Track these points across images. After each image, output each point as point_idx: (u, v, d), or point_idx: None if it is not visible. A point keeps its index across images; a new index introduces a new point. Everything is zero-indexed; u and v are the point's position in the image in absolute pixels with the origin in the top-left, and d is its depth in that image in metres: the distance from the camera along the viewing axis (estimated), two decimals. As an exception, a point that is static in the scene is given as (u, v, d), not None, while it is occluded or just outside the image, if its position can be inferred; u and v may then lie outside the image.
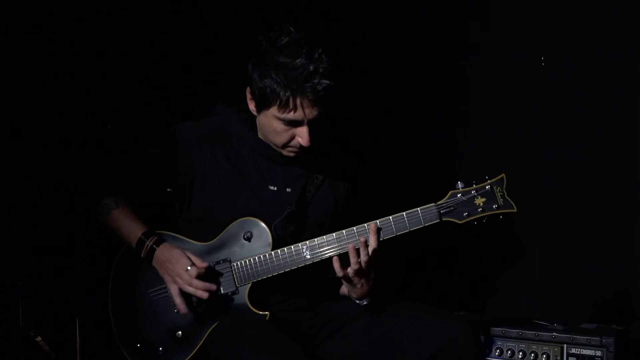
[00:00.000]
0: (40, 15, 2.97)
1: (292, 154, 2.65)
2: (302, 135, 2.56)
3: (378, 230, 2.53)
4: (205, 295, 2.58)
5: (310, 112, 2.53)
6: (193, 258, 2.60)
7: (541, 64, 3.68)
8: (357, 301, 2.65)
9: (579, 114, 3.62)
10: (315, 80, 2.48)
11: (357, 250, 2.52)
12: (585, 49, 3.60)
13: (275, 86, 2.50)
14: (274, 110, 2.54)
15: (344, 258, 2.54)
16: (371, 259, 2.53)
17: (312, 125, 2.56)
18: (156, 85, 3.30)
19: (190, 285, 2.57)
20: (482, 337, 3.13)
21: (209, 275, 2.62)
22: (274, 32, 2.57)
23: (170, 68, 3.36)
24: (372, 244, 2.52)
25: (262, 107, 2.58)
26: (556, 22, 3.67)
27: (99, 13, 3.12)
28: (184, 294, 2.60)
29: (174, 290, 2.60)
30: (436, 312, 2.68)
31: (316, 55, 2.50)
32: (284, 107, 2.51)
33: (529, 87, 3.73)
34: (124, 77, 3.20)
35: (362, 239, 2.51)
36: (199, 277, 2.57)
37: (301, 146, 2.58)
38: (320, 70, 2.49)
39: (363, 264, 2.52)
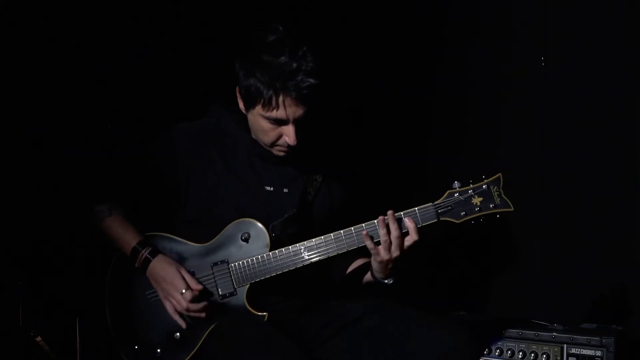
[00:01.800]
0: (39, 15, 2.97)
1: (281, 153, 2.64)
2: (288, 135, 2.56)
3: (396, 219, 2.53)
4: (202, 315, 2.59)
5: (295, 111, 2.52)
6: (188, 279, 2.59)
7: (541, 64, 3.68)
8: (385, 281, 2.64)
9: (579, 114, 3.62)
10: (298, 78, 2.46)
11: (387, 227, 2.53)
12: (585, 49, 3.60)
13: (258, 84, 2.50)
14: (259, 109, 2.54)
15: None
16: (400, 237, 2.53)
17: (299, 124, 2.55)
18: (153, 86, 3.30)
19: (187, 310, 2.58)
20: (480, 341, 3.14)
21: (206, 281, 2.63)
22: (261, 31, 2.56)
23: (167, 68, 3.35)
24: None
25: (248, 105, 2.58)
26: (556, 22, 3.67)
27: (97, 13, 3.12)
28: None
29: (170, 309, 2.62)
30: (436, 319, 2.65)
31: (300, 53, 2.48)
32: (267, 105, 2.51)
33: (529, 87, 3.73)
34: (121, 77, 3.21)
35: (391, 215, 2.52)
36: (194, 299, 2.57)
37: (289, 145, 2.58)
38: (304, 68, 2.47)
39: (394, 239, 2.52)
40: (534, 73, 3.69)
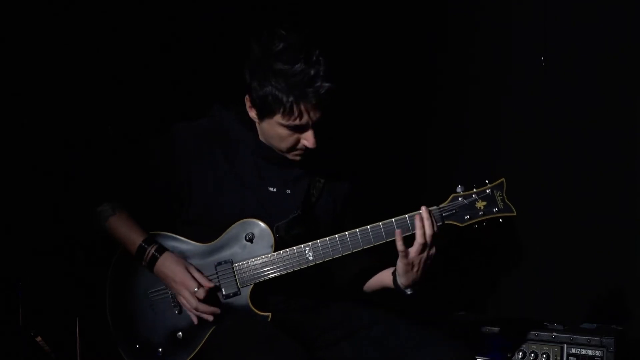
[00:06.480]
0: (40, 14, 2.96)
1: (298, 157, 2.63)
2: (307, 139, 2.55)
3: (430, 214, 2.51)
4: (210, 318, 2.58)
5: (315, 115, 2.51)
6: (198, 277, 2.59)
7: (541, 64, 3.69)
8: (407, 291, 2.62)
9: (579, 114, 3.63)
10: (317, 84, 2.46)
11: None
12: (585, 49, 3.61)
13: (277, 93, 2.48)
14: (278, 118, 2.52)
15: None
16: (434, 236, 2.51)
17: (317, 126, 2.55)
18: (154, 86, 3.30)
19: (196, 309, 2.58)
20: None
21: (212, 279, 2.62)
22: (266, 38, 2.54)
23: (168, 68, 3.35)
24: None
25: (264, 115, 2.55)
26: (556, 22, 3.67)
27: (100, 13, 3.11)
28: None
29: (186, 306, 2.62)
30: (441, 336, 2.64)
31: (314, 58, 2.47)
32: (288, 114, 2.49)
33: (529, 87, 3.73)
34: (122, 77, 3.20)
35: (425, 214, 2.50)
36: (205, 297, 2.57)
37: (307, 148, 2.57)
38: (321, 74, 2.46)
39: (428, 238, 2.50)
40: (534, 73, 3.70)
